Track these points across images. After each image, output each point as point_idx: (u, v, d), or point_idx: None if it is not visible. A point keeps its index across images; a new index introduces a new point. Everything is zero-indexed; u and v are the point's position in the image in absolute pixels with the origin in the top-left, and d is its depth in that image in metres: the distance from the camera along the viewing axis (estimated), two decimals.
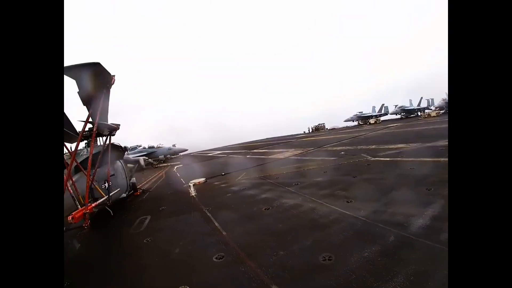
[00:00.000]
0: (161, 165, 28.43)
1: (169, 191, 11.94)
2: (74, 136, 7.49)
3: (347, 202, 6.41)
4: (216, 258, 4.59)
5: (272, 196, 8.11)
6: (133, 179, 12.30)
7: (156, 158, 30.66)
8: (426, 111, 52.10)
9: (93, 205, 6.47)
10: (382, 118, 57.30)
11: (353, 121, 58.75)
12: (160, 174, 19.50)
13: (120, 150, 10.59)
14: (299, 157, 16.65)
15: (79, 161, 7.87)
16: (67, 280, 4.47)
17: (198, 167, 20.13)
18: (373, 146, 15.89)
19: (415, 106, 55.57)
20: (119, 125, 9.74)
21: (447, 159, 8.65)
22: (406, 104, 56.01)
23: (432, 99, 56.27)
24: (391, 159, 11.11)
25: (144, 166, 22.09)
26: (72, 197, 5.80)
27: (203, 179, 13.15)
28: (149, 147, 31.89)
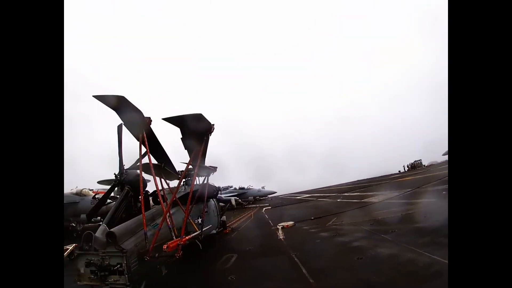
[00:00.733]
0: (250, 205, 29.69)
1: (257, 232, 12.10)
2: (174, 175, 8.93)
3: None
4: None
5: (365, 245, 7.11)
6: (224, 217, 13.19)
7: (246, 199, 32.42)
8: None
9: (187, 237, 7.17)
10: None
11: None
12: (249, 214, 20.12)
13: (214, 190, 11.80)
14: (394, 200, 14.30)
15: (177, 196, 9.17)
16: None
17: (286, 210, 20.07)
18: None
19: None
20: (216, 168, 11.00)
21: None
22: None
23: None
24: None
25: (235, 206, 23.68)
26: (169, 228, 6.66)
27: (292, 222, 12.83)
28: (240, 188, 34.22)
